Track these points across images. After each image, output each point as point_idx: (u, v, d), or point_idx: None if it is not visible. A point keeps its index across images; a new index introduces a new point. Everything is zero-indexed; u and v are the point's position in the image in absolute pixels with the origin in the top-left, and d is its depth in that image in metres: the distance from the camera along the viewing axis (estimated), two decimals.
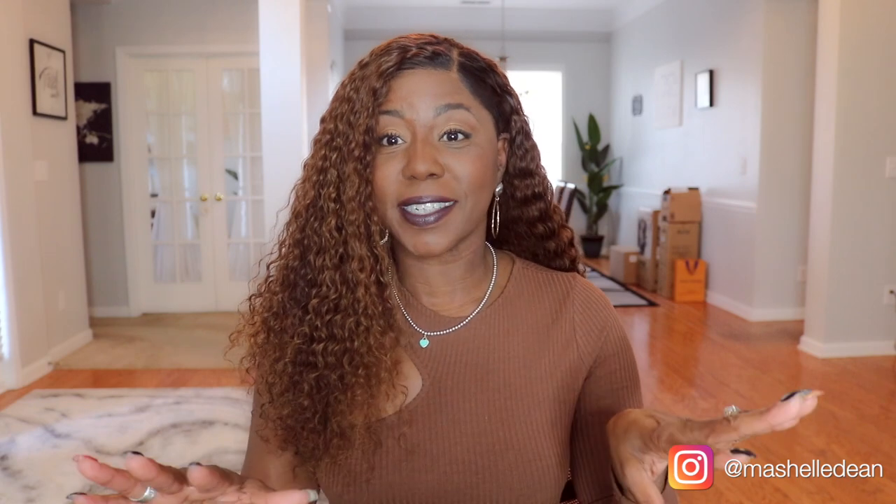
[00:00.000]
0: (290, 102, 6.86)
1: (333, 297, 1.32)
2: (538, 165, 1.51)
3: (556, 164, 14.82)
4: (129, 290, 9.40)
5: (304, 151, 6.85)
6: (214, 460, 4.85)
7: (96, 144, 9.04)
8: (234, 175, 9.94)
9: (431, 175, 1.29)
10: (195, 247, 9.71)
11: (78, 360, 7.39)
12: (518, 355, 1.45)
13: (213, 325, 8.77)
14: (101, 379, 6.84)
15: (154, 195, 9.63)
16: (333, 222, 1.31)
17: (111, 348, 7.85)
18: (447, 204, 1.32)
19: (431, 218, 1.31)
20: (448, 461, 1.38)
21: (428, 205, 1.31)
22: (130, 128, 9.21)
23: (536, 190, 1.50)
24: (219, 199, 9.47)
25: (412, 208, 1.31)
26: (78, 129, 8.66)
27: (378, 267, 1.34)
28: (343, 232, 1.31)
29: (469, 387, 1.42)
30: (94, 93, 9.00)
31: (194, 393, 6.26)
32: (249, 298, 1.43)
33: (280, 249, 1.40)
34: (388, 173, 1.31)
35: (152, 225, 9.61)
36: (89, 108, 8.99)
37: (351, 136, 1.30)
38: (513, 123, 1.46)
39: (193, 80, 9.40)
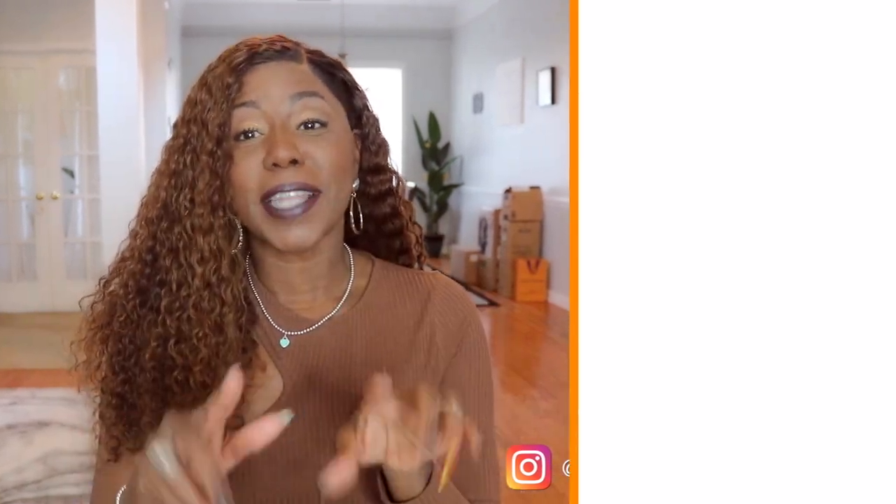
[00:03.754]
0: (127, 100, 6.84)
1: (184, 294, 1.29)
2: (388, 161, 1.49)
3: (396, 162, 14.63)
4: None
5: (142, 149, 6.84)
6: (50, 462, 4.76)
7: None
8: (71, 173, 9.79)
9: (293, 162, 1.25)
10: (31, 246, 9.55)
11: None
12: (380, 360, 1.40)
13: (50, 324, 8.56)
14: None
15: None
16: (188, 223, 1.28)
17: None
18: (312, 193, 1.28)
19: (298, 210, 1.27)
20: (312, 466, 1.31)
21: (292, 193, 1.26)
22: None
23: (389, 186, 1.49)
24: (55, 198, 9.31)
25: (276, 201, 1.27)
26: None
27: (224, 264, 1.30)
28: (192, 231, 1.28)
29: (330, 389, 1.38)
30: None
31: (30, 393, 6.11)
32: (91, 306, 1.38)
33: (131, 258, 1.34)
34: (249, 167, 1.28)
35: None
36: None
37: (203, 133, 1.27)
38: (364, 119, 1.44)
39: (30, 78, 9.26)
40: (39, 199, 9.29)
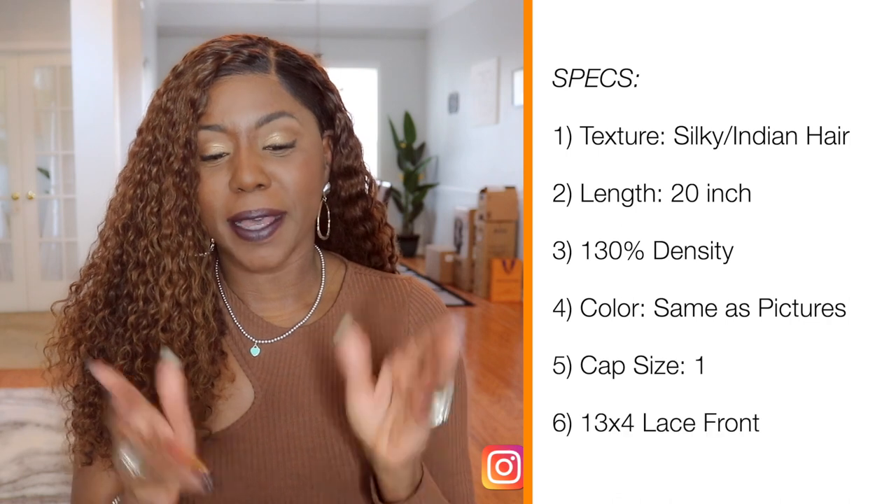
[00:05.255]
0: (102, 100, 6.84)
1: (153, 312, 1.27)
2: (362, 163, 1.46)
3: (371, 162, 14.51)
4: None
5: (118, 149, 6.83)
6: (26, 462, 4.79)
7: None
8: (46, 173, 9.79)
9: (259, 186, 1.24)
10: (6, 246, 9.55)
11: None
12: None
13: (25, 325, 8.57)
14: None
15: None
16: (154, 237, 1.26)
17: None
18: (277, 216, 1.27)
19: (265, 232, 1.26)
20: (283, 475, 1.34)
21: (258, 217, 1.25)
22: None
23: (361, 188, 1.46)
24: (31, 198, 9.32)
25: (243, 223, 1.26)
26: None
27: (195, 285, 1.29)
28: (160, 249, 1.26)
29: (303, 398, 1.37)
30: None
31: (6, 394, 6.15)
32: (64, 310, 1.36)
33: (101, 265, 1.32)
34: (215, 187, 1.26)
35: None
36: None
37: (170, 149, 1.24)
38: (337, 121, 1.40)
39: (4, 77, 9.23)
40: (15, 199, 9.30)
